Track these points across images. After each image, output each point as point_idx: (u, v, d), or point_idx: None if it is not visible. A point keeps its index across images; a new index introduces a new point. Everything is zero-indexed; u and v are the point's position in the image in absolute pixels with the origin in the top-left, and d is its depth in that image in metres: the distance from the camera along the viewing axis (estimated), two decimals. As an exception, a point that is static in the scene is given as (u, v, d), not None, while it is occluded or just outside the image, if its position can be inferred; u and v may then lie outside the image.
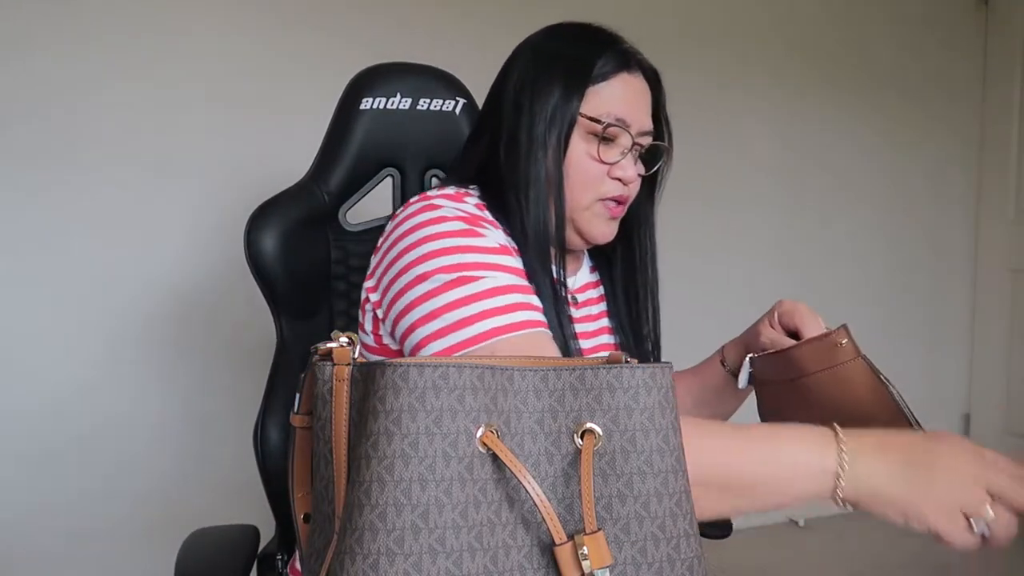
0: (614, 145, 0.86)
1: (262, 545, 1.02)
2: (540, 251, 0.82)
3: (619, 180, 0.87)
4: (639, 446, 0.50)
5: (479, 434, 0.49)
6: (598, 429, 0.50)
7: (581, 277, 0.98)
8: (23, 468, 1.72)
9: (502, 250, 0.78)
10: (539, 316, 0.74)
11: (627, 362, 0.52)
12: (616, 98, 0.86)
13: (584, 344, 0.90)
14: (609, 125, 0.84)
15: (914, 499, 0.63)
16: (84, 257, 1.76)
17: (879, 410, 0.67)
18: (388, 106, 1.12)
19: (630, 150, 0.86)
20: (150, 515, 1.81)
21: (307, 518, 0.57)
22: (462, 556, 0.46)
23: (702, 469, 0.58)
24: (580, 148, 0.85)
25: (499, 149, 0.87)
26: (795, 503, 0.64)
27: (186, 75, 1.83)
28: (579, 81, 0.85)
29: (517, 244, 0.82)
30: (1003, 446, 2.80)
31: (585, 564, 0.46)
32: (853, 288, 2.77)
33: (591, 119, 0.84)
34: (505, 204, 0.85)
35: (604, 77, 0.86)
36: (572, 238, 0.90)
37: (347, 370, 0.52)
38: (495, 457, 0.48)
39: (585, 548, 0.46)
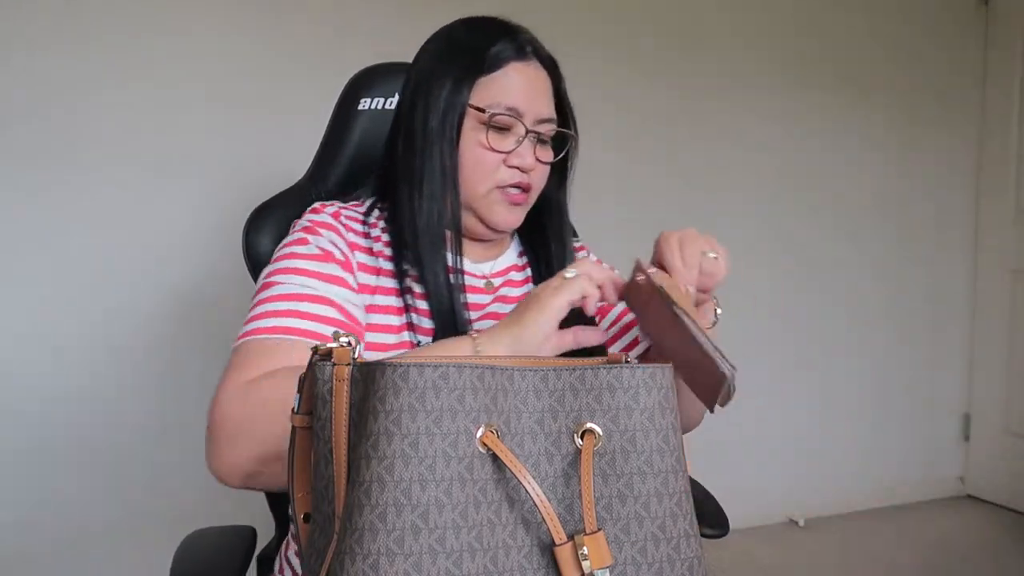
0: (509, 134, 0.88)
1: (261, 546, 1.02)
2: (432, 241, 0.87)
3: (517, 168, 0.89)
4: (639, 446, 0.50)
5: (479, 434, 0.48)
6: (598, 429, 0.49)
7: (503, 261, 0.99)
8: (22, 468, 1.72)
9: (318, 256, 0.83)
10: (302, 324, 0.78)
11: (627, 362, 0.52)
12: (507, 87, 0.87)
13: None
14: (496, 114, 0.86)
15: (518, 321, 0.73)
16: (84, 257, 1.76)
17: (687, 343, 0.66)
18: (387, 106, 1.12)
19: (525, 138, 0.88)
20: (149, 516, 1.81)
21: (307, 518, 0.57)
22: (462, 556, 0.46)
23: None
24: (472, 138, 0.87)
25: (398, 145, 0.91)
26: None
27: (186, 75, 1.83)
28: (469, 72, 0.87)
29: (405, 237, 0.87)
30: (1003, 446, 2.82)
31: (585, 564, 0.46)
32: (853, 287, 2.77)
33: (478, 109, 0.86)
34: (396, 199, 0.89)
35: (495, 67, 0.88)
36: (475, 226, 0.92)
37: (347, 370, 0.52)
38: (495, 457, 0.48)
39: (585, 548, 0.46)
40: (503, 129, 0.88)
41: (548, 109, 0.91)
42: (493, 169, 0.88)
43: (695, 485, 1.07)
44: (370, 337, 0.84)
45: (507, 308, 0.92)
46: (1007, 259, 2.84)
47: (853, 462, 2.80)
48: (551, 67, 0.93)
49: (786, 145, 2.62)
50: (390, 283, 0.88)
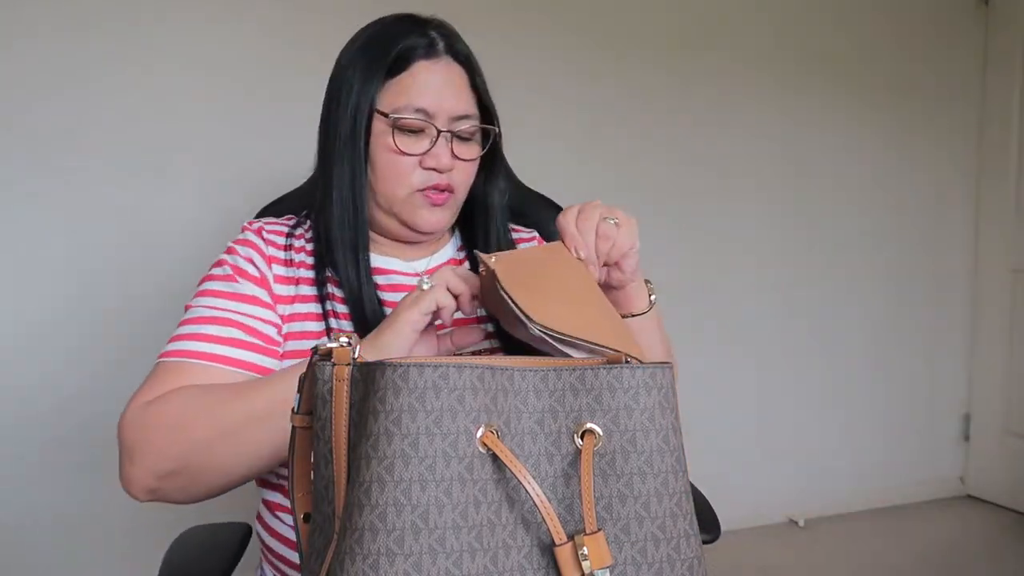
0: (423, 135, 0.86)
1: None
2: (345, 246, 0.88)
3: (434, 170, 0.87)
4: (639, 446, 0.50)
5: (479, 434, 0.49)
6: (598, 429, 0.49)
7: (440, 257, 0.98)
8: (21, 468, 1.72)
9: (229, 277, 0.86)
10: (203, 347, 0.81)
11: (627, 362, 0.52)
12: (415, 89, 0.85)
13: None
14: (401, 119, 0.85)
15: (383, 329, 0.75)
16: (85, 256, 1.76)
17: (521, 329, 0.66)
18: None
19: (438, 138, 0.86)
20: (147, 514, 1.81)
21: (307, 518, 0.57)
22: (462, 556, 0.46)
23: (219, 420, 0.73)
24: (382, 143, 0.86)
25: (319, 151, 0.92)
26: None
27: (189, 75, 1.83)
28: (375, 74, 0.86)
29: (322, 244, 0.88)
30: (1003, 446, 2.82)
31: (585, 564, 0.46)
32: (853, 288, 2.77)
33: (384, 114, 0.85)
34: (317, 206, 0.90)
35: (402, 68, 0.86)
36: (400, 230, 0.91)
37: (347, 370, 0.52)
38: (495, 457, 0.48)
39: (585, 548, 0.46)
40: (416, 131, 0.86)
41: (464, 106, 0.88)
42: (408, 172, 0.87)
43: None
44: (291, 345, 0.86)
45: None
46: (1007, 259, 2.84)
47: (853, 462, 2.80)
48: (465, 62, 0.90)
49: (785, 145, 2.62)
50: (310, 291, 0.88)
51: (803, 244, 2.67)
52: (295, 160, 1.11)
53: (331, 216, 0.88)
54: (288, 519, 0.88)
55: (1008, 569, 2.31)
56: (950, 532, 2.61)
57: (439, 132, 0.86)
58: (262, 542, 0.93)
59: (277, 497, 0.89)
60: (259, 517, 0.94)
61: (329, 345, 0.53)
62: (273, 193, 1.26)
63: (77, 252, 1.76)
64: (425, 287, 0.73)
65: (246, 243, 0.90)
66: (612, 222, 0.76)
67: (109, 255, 1.78)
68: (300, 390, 0.56)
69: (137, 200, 1.80)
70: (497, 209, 0.98)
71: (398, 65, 0.86)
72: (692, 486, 1.07)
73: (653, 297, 0.85)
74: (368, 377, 0.50)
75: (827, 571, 2.29)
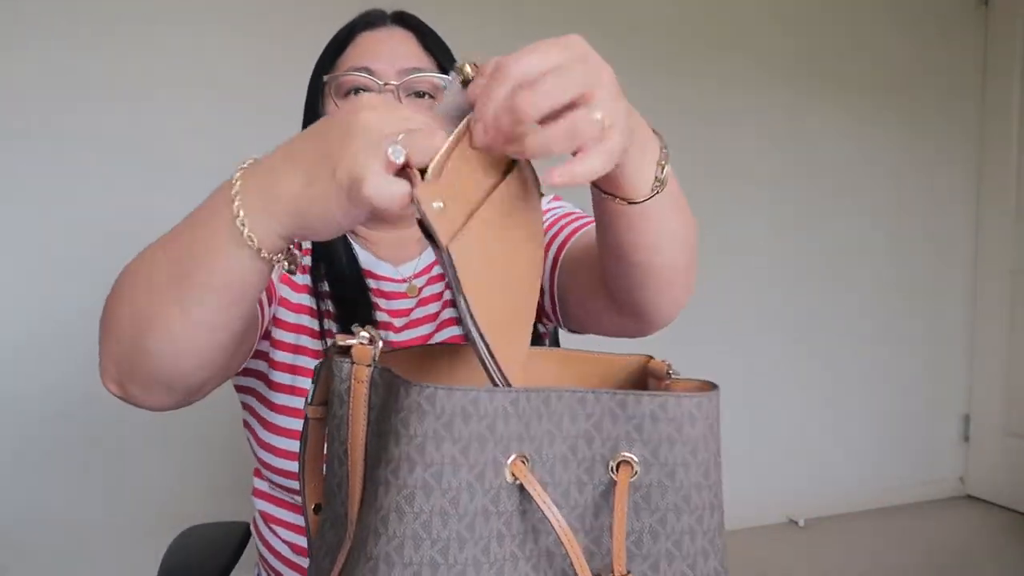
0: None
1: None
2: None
3: None
4: (678, 481, 0.48)
5: (508, 462, 0.46)
6: (636, 460, 0.47)
7: (425, 259, 0.90)
8: (21, 468, 1.71)
9: None
10: None
11: (669, 379, 0.50)
12: (354, 54, 0.84)
13: (424, 330, 0.86)
14: (338, 76, 0.82)
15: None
16: (85, 258, 1.74)
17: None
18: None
19: (382, 92, 0.80)
20: (147, 514, 1.80)
21: (317, 508, 0.55)
22: None
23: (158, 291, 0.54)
24: (330, 111, 0.83)
25: None
26: (228, 254, 0.51)
27: (190, 75, 1.81)
28: (323, 56, 0.86)
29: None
30: (1003, 446, 2.82)
31: None
32: (853, 288, 2.77)
33: (325, 84, 0.83)
34: None
35: (347, 43, 0.86)
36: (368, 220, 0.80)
37: (367, 371, 0.49)
38: (523, 487, 0.46)
39: None
40: (360, 92, 0.81)
41: (413, 60, 0.82)
42: None
43: None
44: (279, 335, 0.83)
45: (430, 309, 0.87)
46: (1007, 259, 2.84)
47: (853, 462, 2.80)
48: (415, 28, 0.87)
49: (784, 145, 2.61)
50: (302, 280, 0.86)
51: (803, 244, 2.67)
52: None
53: None
54: (284, 533, 0.86)
55: (1008, 569, 2.31)
56: (950, 532, 2.61)
57: (382, 86, 0.80)
58: (259, 551, 0.91)
59: (271, 508, 0.87)
60: (255, 525, 0.92)
61: (349, 341, 0.50)
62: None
63: (78, 253, 1.74)
64: (395, 156, 0.44)
65: None
66: (598, 120, 0.45)
67: (110, 256, 1.77)
68: (315, 381, 0.54)
69: (137, 201, 1.78)
70: None
71: (344, 42, 0.86)
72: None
73: (663, 171, 0.54)
74: (390, 387, 0.47)
75: (827, 571, 2.29)
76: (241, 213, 0.50)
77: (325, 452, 0.54)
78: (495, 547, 0.45)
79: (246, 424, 0.87)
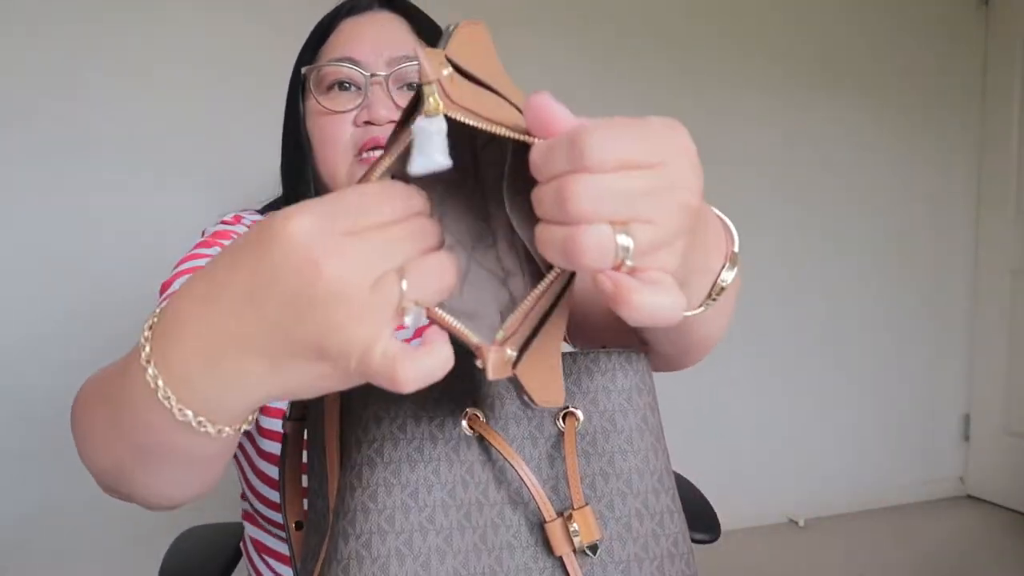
0: (356, 92, 0.75)
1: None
2: None
3: (370, 123, 0.73)
4: (618, 426, 0.51)
5: (464, 420, 0.50)
6: (579, 412, 0.51)
7: None
8: (21, 468, 1.73)
9: (200, 266, 0.73)
10: None
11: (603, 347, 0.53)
12: (336, 43, 0.77)
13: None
14: (315, 68, 0.76)
15: None
16: (86, 258, 1.77)
17: None
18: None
19: (369, 83, 0.74)
20: (147, 514, 1.81)
21: (299, 525, 0.57)
22: (452, 534, 0.47)
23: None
24: (310, 108, 0.78)
25: None
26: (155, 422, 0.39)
27: (190, 75, 1.84)
28: (309, 48, 0.81)
29: None
30: (1003, 446, 2.81)
31: (576, 540, 0.47)
32: (853, 287, 2.77)
33: (304, 76, 0.77)
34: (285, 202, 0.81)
35: (329, 32, 0.79)
36: None
37: None
38: (481, 439, 0.49)
39: (575, 524, 0.47)
40: (347, 88, 0.75)
41: (401, 47, 0.75)
42: (339, 134, 0.74)
43: (690, 489, 1.08)
44: None
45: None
46: (1007, 259, 2.84)
47: (853, 462, 2.80)
48: (403, 11, 0.79)
49: (786, 144, 2.62)
50: None
51: (803, 244, 2.68)
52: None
53: (286, 196, 0.83)
54: (277, 565, 0.81)
55: (1008, 569, 2.30)
56: (950, 532, 2.61)
57: (369, 77, 0.73)
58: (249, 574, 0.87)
59: (262, 536, 0.82)
60: (246, 550, 0.86)
61: None
62: (274, 194, 1.27)
63: (78, 253, 1.77)
64: (410, 322, 0.34)
65: (220, 234, 0.82)
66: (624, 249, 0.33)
67: (111, 255, 1.79)
68: None
69: (138, 201, 1.80)
70: None
71: (326, 31, 0.80)
72: (693, 486, 1.08)
73: (721, 287, 0.47)
74: None
75: (827, 571, 2.28)
76: (176, 406, 0.36)
77: (304, 461, 0.56)
78: (460, 492, 0.48)
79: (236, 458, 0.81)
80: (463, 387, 0.50)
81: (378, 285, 0.32)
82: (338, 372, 0.34)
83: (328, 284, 0.31)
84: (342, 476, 0.49)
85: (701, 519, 0.98)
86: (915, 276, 2.88)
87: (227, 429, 0.37)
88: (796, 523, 2.63)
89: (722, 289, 0.45)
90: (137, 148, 1.80)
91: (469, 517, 0.48)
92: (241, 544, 0.92)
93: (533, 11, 2.19)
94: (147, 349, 0.37)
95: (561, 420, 0.50)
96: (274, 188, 1.32)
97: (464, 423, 0.49)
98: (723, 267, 0.45)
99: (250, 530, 0.83)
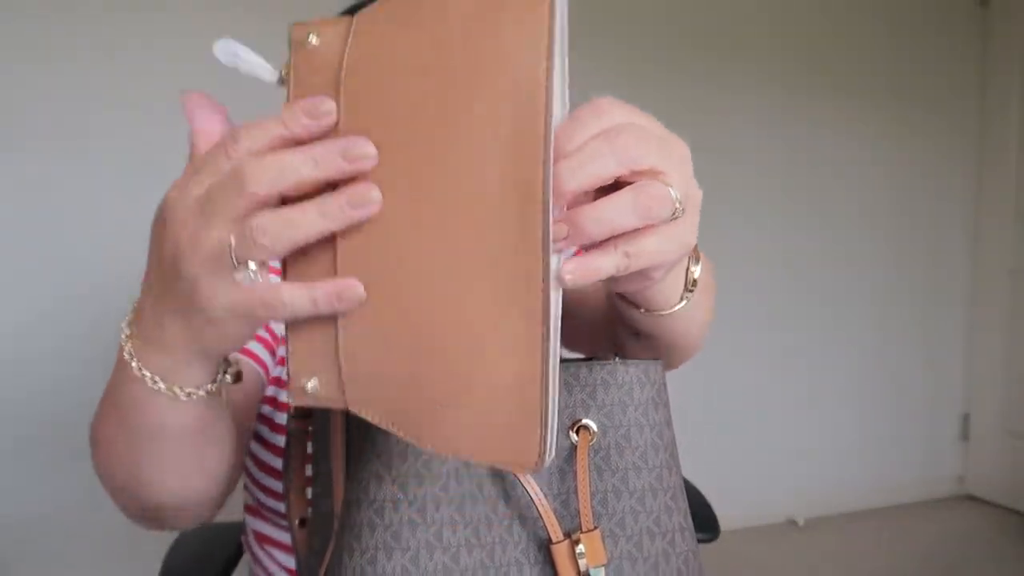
0: None
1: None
2: None
3: None
4: (633, 442, 0.50)
5: None
6: (593, 425, 0.50)
7: None
8: (21, 467, 1.72)
9: None
10: None
11: (616, 357, 0.53)
12: None
13: None
14: None
15: None
16: (87, 259, 1.76)
17: None
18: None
19: None
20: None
21: (303, 523, 0.57)
22: (459, 551, 0.47)
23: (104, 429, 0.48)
24: None
25: None
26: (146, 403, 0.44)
27: (190, 75, 1.83)
28: None
29: None
30: (1003, 446, 2.82)
31: (581, 562, 0.47)
32: (853, 288, 2.77)
33: None
34: None
35: None
36: None
37: None
38: None
39: (582, 546, 0.47)
40: None
41: None
42: None
43: (690, 489, 1.08)
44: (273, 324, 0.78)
45: None
46: (1007, 259, 2.84)
47: (853, 462, 2.80)
48: None
49: (785, 144, 2.62)
50: None
51: (802, 244, 2.68)
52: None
53: None
54: (279, 555, 0.84)
55: (1008, 569, 2.31)
56: (950, 532, 2.61)
57: None
58: (251, 571, 0.89)
59: (265, 527, 0.84)
60: (247, 543, 0.88)
61: None
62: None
63: (78, 253, 1.76)
64: (244, 279, 0.35)
65: None
66: (673, 207, 0.36)
67: (112, 256, 1.79)
68: None
69: (138, 201, 1.80)
70: None
71: None
72: (692, 486, 1.08)
73: (694, 280, 0.48)
74: None
75: (827, 571, 2.29)
76: (137, 363, 0.42)
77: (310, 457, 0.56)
78: (469, 508, 0.47)
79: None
80: None
81: (191, 212, 0.35)
82: (203, 318, 0.37)
83: (163, 215, 0.37)
84: (348, 490, 0.48)
85: (701, 519, 0.98)
86: (914, 276, 2.88)
87: (191, 391, 0.42)
88: (796, 523, 2.63)
89: (695, 282, 0.48)
90: (139, 149, 1.79)
91: (477, 534, 0.47)
92: (242, 538, 0.92)
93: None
94: (125, 332, 0.43)
95: (574, 433, 0.49)
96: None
97: None
98: (690, 260, 0.48)
99: (252, 523, 0.85)
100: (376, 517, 0.46)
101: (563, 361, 0.52)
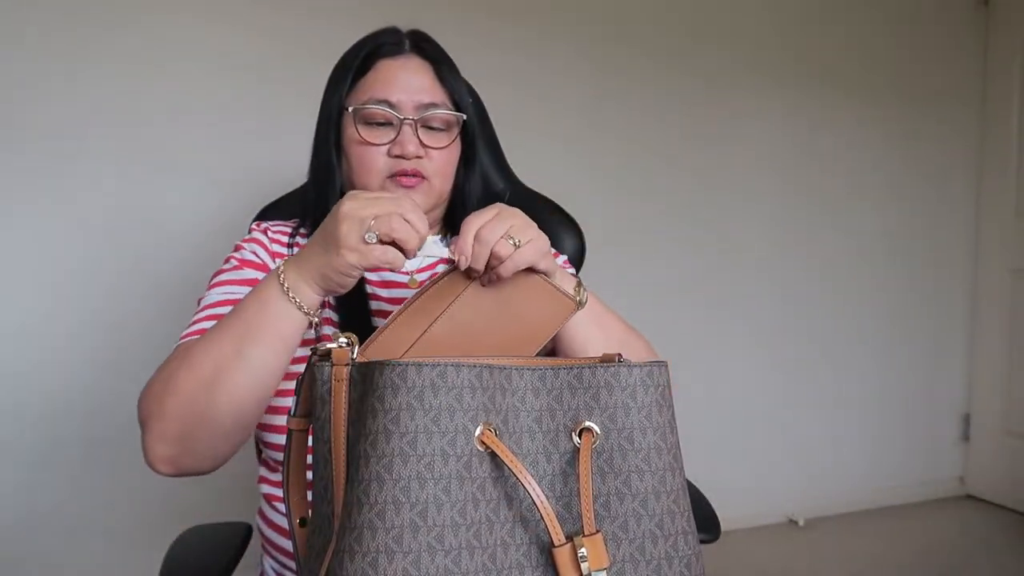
0: (389, 128, 0.92)
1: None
2: None
3: (401, 157, 0.91)
4: (637, 444, 0.50)
5: (477, 432, 0.49)
6: (596, 427, 0.49)
7: (428, 256, 1.00)
8: (22, 468, 1.72)
9: (236, 268, 0.92)
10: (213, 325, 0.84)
11: (620, 360, 0.52)
12: (379, 83, 0.92)
13: None
14: (360, 108, 0.91)
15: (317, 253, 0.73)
16: (88, 259, 1.76)
17: None
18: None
19: (401, 125, 0.90)
20: (148, 513, 1.81)
21: (303, 522, 0.57)
22: (461, 554, 0.46)
23: (196, 370, 0.71)
24: (351, 136, 0.92)
25: None
26: (281, 329, 0.73)
27: (193, 74, 1.83)
28: (345, 79, 0.94)
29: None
30: (1003, 446, 2.82)
31: (584, 566, 0.46)
32: (853, 288, 2.77)
33: (347, 108, 0.93)
34: (314, 207, 0.97)
35: (367, 68, 0.94)
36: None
37: (346, 370, 0.52)
38: (493, 455, 0.48)
39: (584, 550, 0.47)
40: (382, 124, 0.91)
41: (429, 95, 0.92)
42: (375, 160, 0.91)
43: (688, 488, 1.07)
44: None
45: None
46: (1007, 259, 2.84)
47: (853, 462, 2.80)
48: (432, 59, 0.95)
49: (786, 145, 2.62)
50: None
51: (803, 244, 2.67)
52: (297, 162, 1.11)
53: (312, 211, 0.95)
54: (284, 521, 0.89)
55: (1008, 569, 2.31)
56: (950, 532, 2.61)
57: (402, 120, 0.90)
58: (262, 535, 0.94)
59: (276, 491, 0.92)
60: (260, 512, 0.96)
61: (328, 346, 0.53)
62: (275, 194, 1.26)
63: (79, 253, 1.76)
64: (370, 239, 0.68)
65: (252, 240, 0.96)
66: (513, 242, 0.69)
67: (111, 256, 1.79)
68: (298, 392, 0.56)
69: (139, 201, 1.80)
70: (471, 201, 1.00)
71: (365, 65, 0.93)
72: (692, 486, 1.08)
73: (581, 298, 0.76)
74: (367, 377, 0.50)
75: (827, 571, 2.28)
76: (286, 284, 0.72)
77: (309, 461, 0.56)
78: (471, 510, 0.47)
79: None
80: (476, 401, 0.49)
81: (358, 216, 0.69)
82: (342, 258, 0.69)
83: (339, 211, 0.70)
84: (349, 490, 0.48)
85: (701, 519, 0.98)
86: (915, 275, 2.88)
87: (306, 307, 0.73)
88: (796, 523, 2.63)
89: (579, 282, 0.80)
90: (140, 149, 1.79)
91: (479, 536, 0.47)
92: (256, 514, 0.95)
93: (524, 19, 2.18)
94: (282, 268, 0.74)
95: (577, 435, 0.49)
96: (275, 189, 1.32)
97: (476, 439, 0.48)
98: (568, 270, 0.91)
99: (263, 488, 0.93)
100: (377, 519, 0.46)
101: (567, 363, 0.52)
